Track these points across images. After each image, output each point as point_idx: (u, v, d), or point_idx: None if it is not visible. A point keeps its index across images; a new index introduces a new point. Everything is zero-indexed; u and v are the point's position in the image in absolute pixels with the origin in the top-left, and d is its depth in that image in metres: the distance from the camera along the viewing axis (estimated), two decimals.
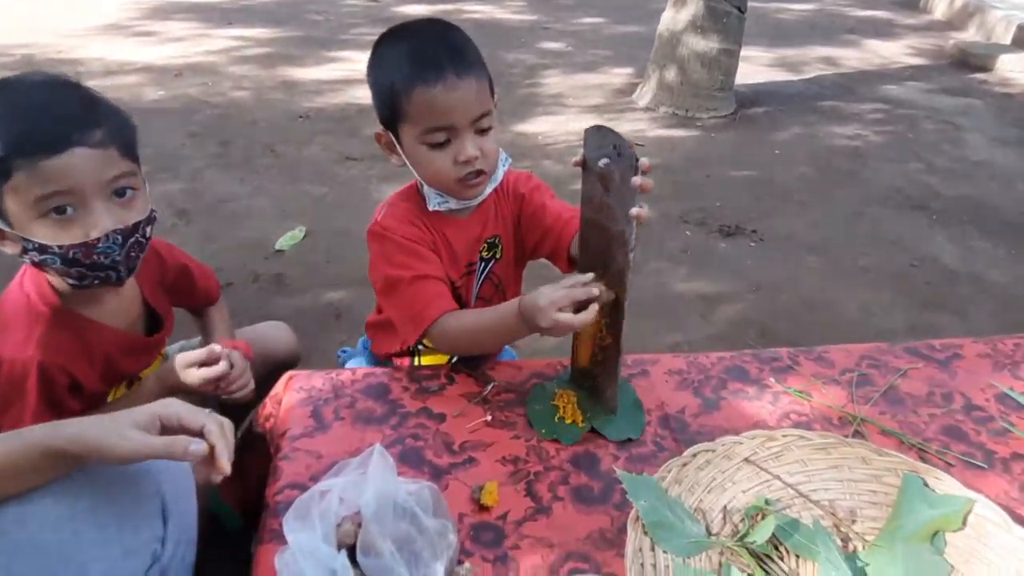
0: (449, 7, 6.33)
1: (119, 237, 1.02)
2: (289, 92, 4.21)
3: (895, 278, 2.65)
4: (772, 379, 1.25)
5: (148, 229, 1.08)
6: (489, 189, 1.24)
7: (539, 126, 3.85)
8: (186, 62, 4.58)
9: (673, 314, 2.36)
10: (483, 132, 1.16)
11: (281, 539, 0.85)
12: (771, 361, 1.30)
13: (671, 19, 4.12)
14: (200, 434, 0.80)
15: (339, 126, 3.77)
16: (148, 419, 0.80)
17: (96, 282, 1.05)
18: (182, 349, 1.44)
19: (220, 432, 0.80)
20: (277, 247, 2.66)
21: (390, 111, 1.17)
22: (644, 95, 4.28)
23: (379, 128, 1.22)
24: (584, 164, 1.03)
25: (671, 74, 4.12)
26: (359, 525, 0.86)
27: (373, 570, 0.83)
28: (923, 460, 1.08)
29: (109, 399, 1.22)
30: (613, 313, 1.06)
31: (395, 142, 1.20)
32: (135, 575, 0.87)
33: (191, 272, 1.36)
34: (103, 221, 1.00)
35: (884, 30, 6.43)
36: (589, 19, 6.24)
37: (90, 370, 1.13)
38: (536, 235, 1.35)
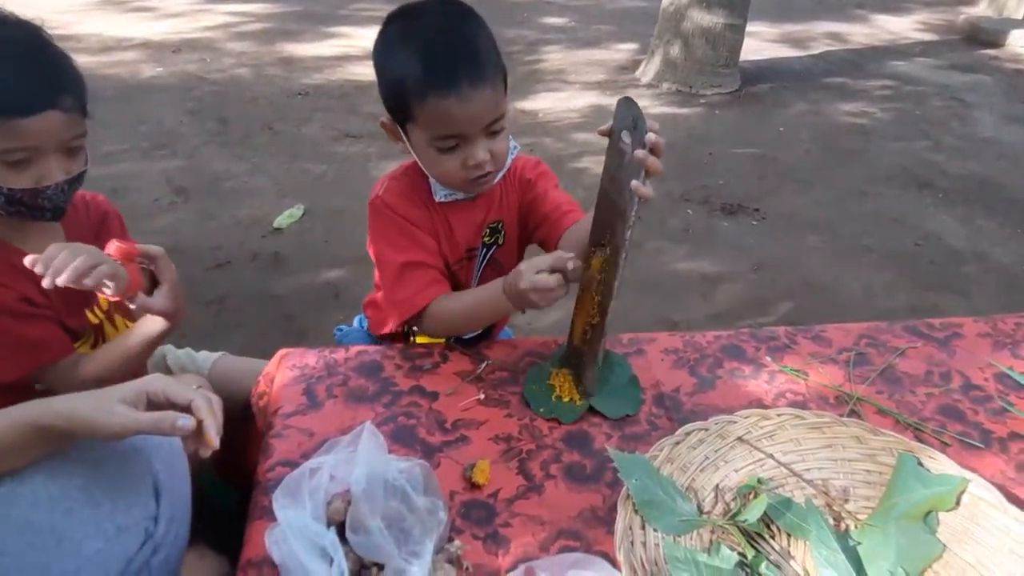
0: None
1: (65, 186, 1.08)
2: (288, 68, 4.18)
3: (898, 258, 2.63)
4: (768, 358, 1.24)
5: (83, 175, 1.12)
6: (496, 179, 1.22)
7: (540, 103, 3.82)
8: (184, 38, 4.54)
9: (673, 293, 2.35)
10: (495, 134, 1.13)
11: (271, 516, 0.85)
12: (768, 340, 1.29)
13: None
14: (188, 409, 0.80)
15: (338, 103, 3.75)
16: (135, 395, 0.79)
17: (29, 217, 1.09)
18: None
19: (208, 408, 0.80)
20: (276, 225, 2.66)
21: (398, 108, 1.12)
22: (647, 71, 4.23)
23: (384, 117, 1.18)
24: (610, 134, 1.01)
25: (675, 50, 4.07)
26: (349, 503, 0.86)
27: (362, 547, 0.83)
28: (919, 440, 1.07)
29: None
30: (604, 292, 1.05)
31: (401, 133, 1.17)
32: (128, 552, 0.87)
33: (110, 219, 1.30)
34: (55, 174, 1.06)
35: (893, 5, 6.34)
36: None
37: (31, 285, 1.10)
38: (533, 221, 1.34)
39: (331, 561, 0.81)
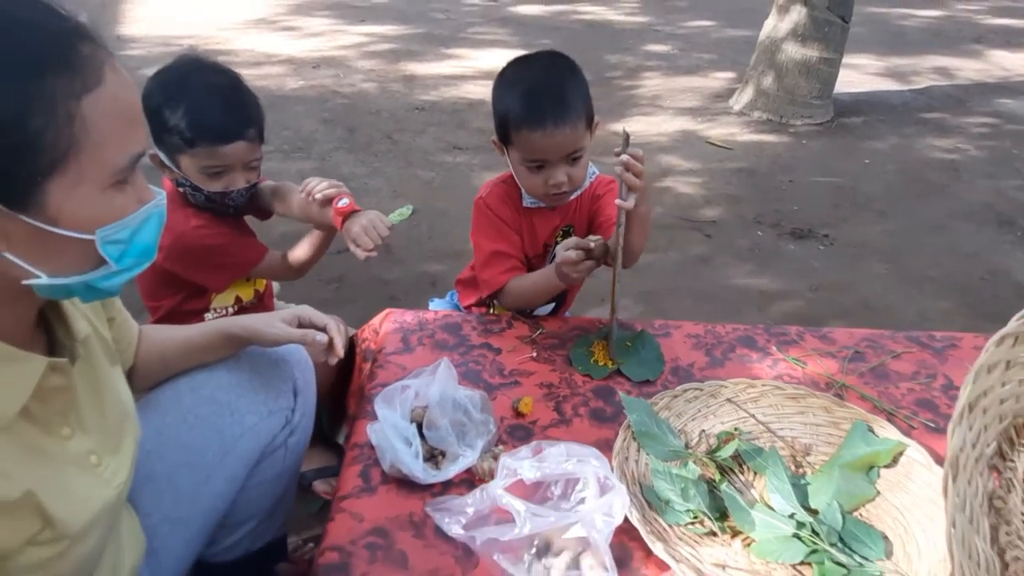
0: (564, 7, 6.63)
1: (244, 192, 1.55)
2: (409, 85, 4.67)
3: (961, 289, 2.73)
4: (775, 348, 1.49)
5: (257, 184, 1.60)
6: (572, 197, 1.56)
7: (632, 126, 4.10)
8: (322, 55, 5.14)
9: (731, 305, 2.58)
10: (574, 161, 1.45)
11: (373, 416, 1.21)
12: (779, 335, 1.54)
13: (773, 26, 4.25)
14: (324, 330, 1.17)
15: (450, 118, 4.18)
16: (291, 317, 1.18)
17: (217, 212, 1.59)
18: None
19: (337, 329, 1.17)
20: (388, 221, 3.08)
21: (502, 133, 1.48)
22: (740, 99, 4.43)
23: (494, 136, 1.54)
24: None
25: (768, 80, 4.25)
26: (426, 409, 1.20)
27: (433, 439, 1.17)
28: (891, 423, 1.30)
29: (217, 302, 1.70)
30: (613, 284, 1.35)
31: (505, 151, 1.52)
32: (274, 430, 1.25)
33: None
34: (239, 182, 1.54)
35: (1015, 40, 6.16)
36: (700, 22, 6.38)
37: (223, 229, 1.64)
38: (592, 228, 1.67)
39: (411, 445, 1.15)
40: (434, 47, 5.42)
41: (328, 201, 1.54)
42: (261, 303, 1.81)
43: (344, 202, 1.53)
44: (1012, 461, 0.68)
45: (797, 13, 4.07)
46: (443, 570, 1.00)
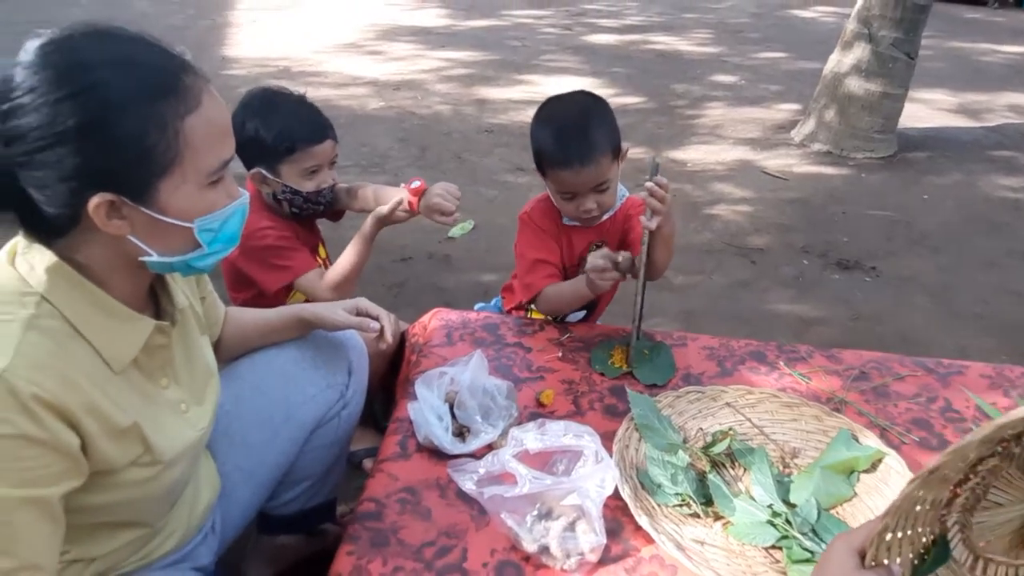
0: (636, 37, 6.81)
1: (330, 189, 1.82)
2: (480, 109, 4.94)
3: (1006, 328, 2.74)
4: (783, 364, 1.62)
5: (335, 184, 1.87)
6: (604, 218, 1.74)
7: (691, 154, 4.23)
8: (403, 78, 5.48)
9: (767, 329, 2.67)
10: (602, 191, 1.63)
11: (413, 396, 1.41)
12: (789, 352, 1.66)
13: (836, 61, 4.31)
14: (376, 319, 1.39)
15: (516, 141, 4.41)
16: (351, 306, 1.39)
17: (309, 213, 1.85)
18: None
19: (389, 319, 1.38)
20: (450, 235, 3.32)
21: (538, 166, 1.69)
22: (801, 131, 4.48)
23: (534, 165, 1.74)
24: None
25: (831, 114, 4.30)
26: (457, 392, 1.40)
27: (462, 417, 1.36)
28: (884, 438, 1.40)
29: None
30: (639, 296, 1.52)
31: (543, 179, 1.72)
32: (330, 401, 1.47)
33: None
34: (329, 178, 1.81)
35: None
36: (769, 53, 6.43)
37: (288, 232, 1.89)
38: (623, 245, 1.83)
39: (442, 421, 1.35)
40: (507, 73, 5.69)
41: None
42: None
43: (416, 183, 1.79)
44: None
45: (861, 49, 4.12)
46: (459, 524, 1.19)
